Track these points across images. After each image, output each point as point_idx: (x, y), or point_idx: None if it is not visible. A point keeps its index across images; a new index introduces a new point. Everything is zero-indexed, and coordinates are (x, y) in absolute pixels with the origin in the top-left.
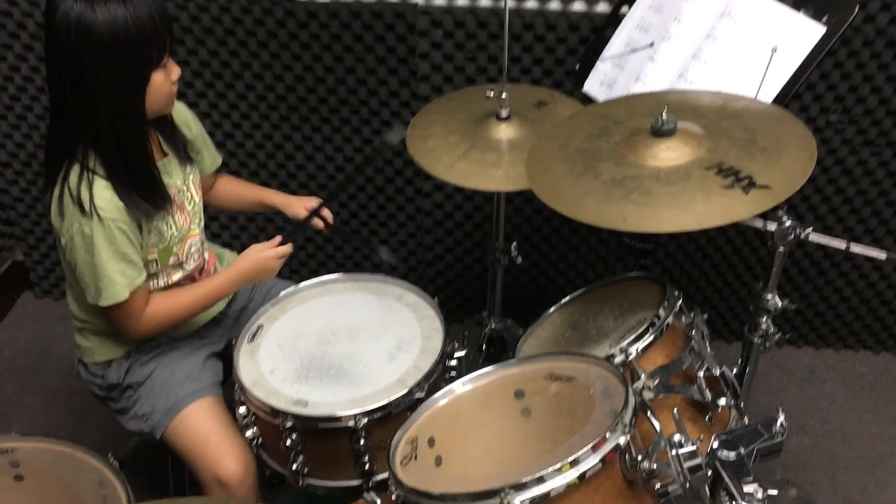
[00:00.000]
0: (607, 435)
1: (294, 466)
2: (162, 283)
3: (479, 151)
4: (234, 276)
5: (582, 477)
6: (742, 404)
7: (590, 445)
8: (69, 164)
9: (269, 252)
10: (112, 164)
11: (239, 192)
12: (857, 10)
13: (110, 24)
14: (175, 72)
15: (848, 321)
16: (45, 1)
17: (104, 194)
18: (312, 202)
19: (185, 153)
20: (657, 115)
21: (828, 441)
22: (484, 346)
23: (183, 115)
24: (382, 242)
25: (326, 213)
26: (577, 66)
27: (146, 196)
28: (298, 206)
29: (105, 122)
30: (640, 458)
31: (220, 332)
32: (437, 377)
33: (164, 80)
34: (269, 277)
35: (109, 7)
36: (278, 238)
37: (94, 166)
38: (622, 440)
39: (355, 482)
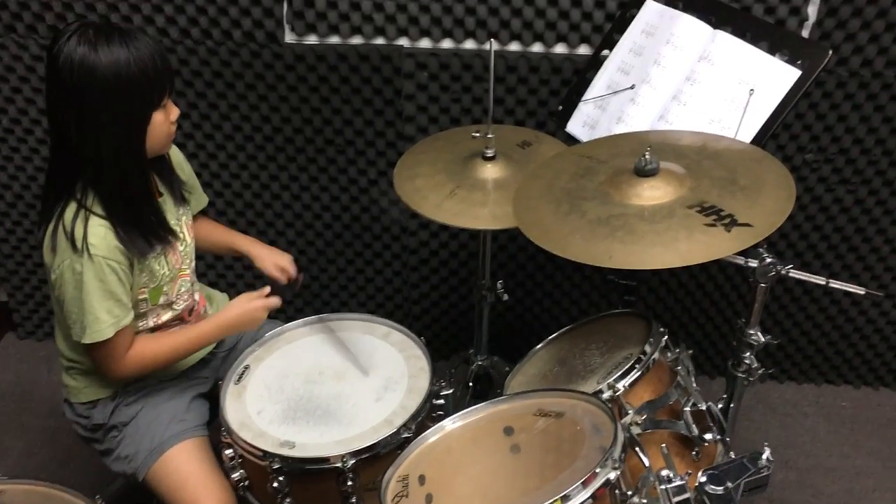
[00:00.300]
0: (597, 470)
1: None
2: (151, 323)
3: (465, 191)
4: (220, 324)
5: None
6: (728, 439)
7: (580, 481)
8: (66, 201)
9: (258, 303)
10: (113, 202)
11: (214, 234)
12: (830, 54)
13: (113, 65)
14: (174, 112)
15: (828, 356)
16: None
17: (98, 232)
18: (283, 260)
19: (179, 194)
20: (640, 155)
21: (811, 475)
22: (471, 384)
23: (176, 157)
24: (332, 295)
25: (293, 270)
26: (560, 107)
27: (148, 233)
28: (268, 261)
29: (107, 162)
30: (629, 493)
31: (207, 372)
32: (425, 416)
33: (163, 120)
34: (254, 328)
35: (112, 49)
36: (267, 289)
37: (92, 205)
38: (612, 475)
39: None
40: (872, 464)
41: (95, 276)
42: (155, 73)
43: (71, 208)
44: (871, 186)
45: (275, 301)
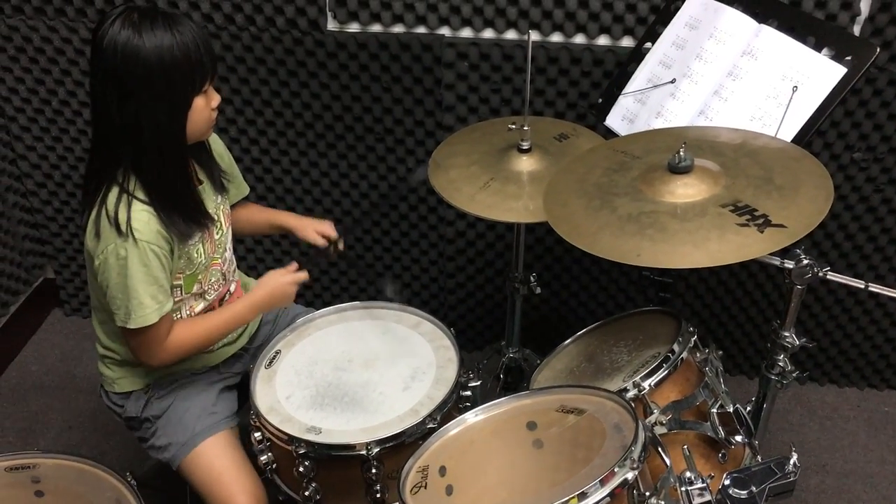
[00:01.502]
0: (616, 469)
1: (307, 493)
2: (185, 314)
3: (499, 183)
4: (252, 303)
5: None
6: (756, 442)
7: (598, 479)
8: (108, 186)
9: (286, 278)
10: (153, 187)
11: (251, 215)
12: (878, 52)
13: (156, 49)
14: (215, 99)
15: (872, 360)
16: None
17: (141, 217)
18: (324, 226)
19: (219, 181)
20: (675, 151)
21: (849, 481)
22: (501, 376)
23: (217, 146)
24: (395, 277)
25: (335, 236)
26: (600, 100)
27: (188, 218)
28: (309, 228)
29: (149, 145)
30: (647, 493)
31: (238, 367)
32: (451, 407)
33: (204, 106)
34: (287, 304)
35: (156, 33)
36: (295, 265)
37: (134, 190)
38: (630, 475)
39: None
40: None
41: (140, 260)
42: (198, 57)
43: (113, 193)
44: None
45: (303, 275)
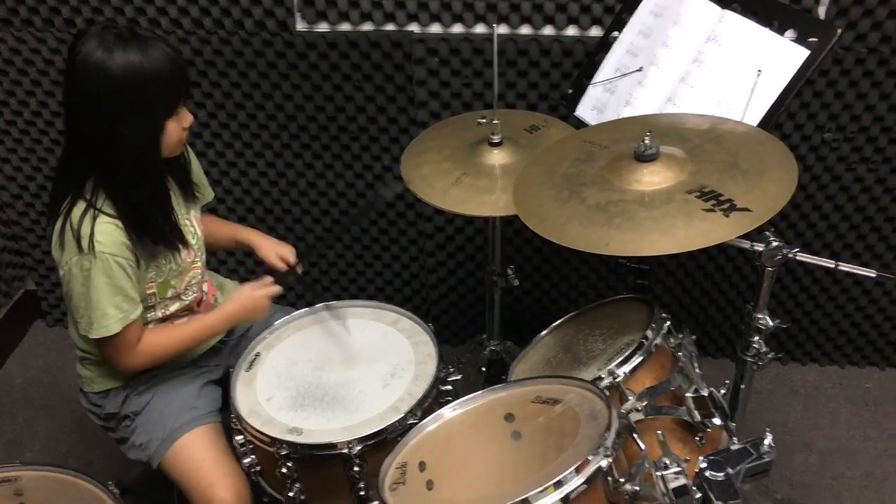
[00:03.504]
0: (590, 457)
1: (291, 493)
2: (160, 314)
3: (472, 177)
4: (225, 315)
5: (566, 499)
6: (733, 424)
7: (573, 467)
8: (74, 199)
9: (260, 292)
10: (123, 205)
11: (217, 230)
12: (839, 32)
13: (127, 70)
14: (187, 119)
15: (852, 337)
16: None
17: (106, 229)
18: (285, 250)
19: (190, 190)
20: (641, 139)
21: (832, 458)
22: (484, 368)
23: (187, 153)
24: (350, 281)
25: (297, 266)
26: (570, 91)
27: (158, 239)
28: (271, 251)
29: (124, 166)
30: (622, 480)
31: (217, 360)
32: (432, 402)
33: (176, 127)
34: (260, 317)
35: (128, 54)
36: (269, 278)
37: (101, 205)
38: (604, 463)
39: None
40: (895, 446)
41: (103, 272)
42: (169, 81)
43: (79, 207)
44: (892, 165)
45: (276, 289)
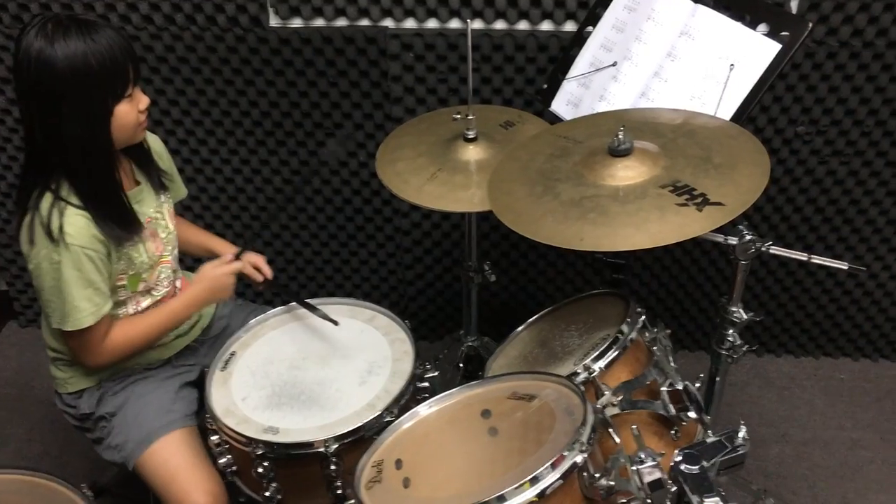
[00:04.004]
0: (565, 453)
1: (267, 493)
2: (131, 310)
3: (447, 173)
4: (190, 299)
5: (542, 494)
6: (708, 417)
7: (549, 463)
8: (41, 192)
9: (221, 269)
10: (84, 193)
11: (189, 234)
12: (811, 26)
13: (69, 58)
14: (143, 101)
15: (826, 329)
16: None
17: (76, 221)
18: (256, 258)
19: (158, 181)
20: (615, 134)
21: (808, 449)
22: (461, 364)
23: (156, 145)
24: (327, 278)
25: (266, 269)
26: (545, 86)
27: (120, 223)
28: (243, 258)
29: (73, 154)
30: (597, 475)
31: (193, 360)
32: (408, 399)
33: (129, 110)
34: (226, 296)
35: (69, 42)
36: (230, 255)
37: (67, 195)
38: (579, 458)
39: None
40: (869, 436)
41: (73, 265)
42: (114, 64)
43: (47, 199)
44: (864, 157)
45: (238, 265)
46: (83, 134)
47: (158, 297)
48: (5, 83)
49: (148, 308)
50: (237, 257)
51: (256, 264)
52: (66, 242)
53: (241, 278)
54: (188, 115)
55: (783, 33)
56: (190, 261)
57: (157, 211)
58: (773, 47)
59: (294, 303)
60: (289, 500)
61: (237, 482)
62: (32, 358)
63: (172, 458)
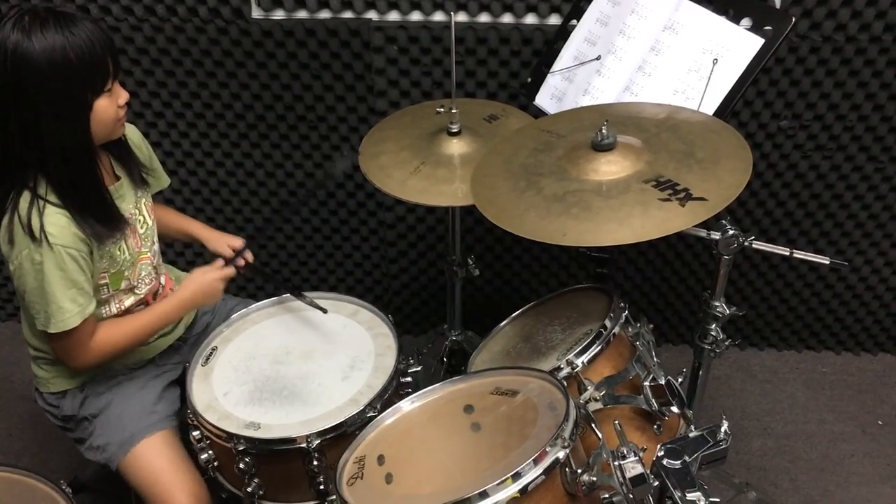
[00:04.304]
0: (548, 448)
1: (249, 489)
2: (115, 309)
3: (430, 167)
4: (179, 302)
5: (524, 490)
6: (690, 412)
7: (531, 459)
8: (19, 191)
9: (212, 274)
10: (64, 190)
11: (167, 219)
12: (794, 21)
13: (47, 52)
14: (122, 97)
15: (808, 322)
16: None
17: (56, 220)
18: (236, 241)
19: (138, 176)
20: (598, 129)
21: (790, 441)
22: (445, 359)
23: (134, 137)
24: (311, 272)
25: (248, 254)
26: (529, 80)
27: (101, 220)
28: (221, 242)
29: (51, 150)
30: (579, 471)
31: (177, 359)
32: (391, 394)
33: (108, 105)
34: (215, 301)
35: (46, 35)
36: (221, 261)
37: (46, 193)
38: (561, 454)
39: (312, 502)
40: (851, 429)
41: (56, 265)
42: (93, 58)
43: (25, 198)
44: (846, 152)
45: (229, 271)
46: (62, 130)
47: (142, 295)
48: None
49: (132, 306)
50: (228, 263)
51: (235, 248)
52: (48, 242)
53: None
54: (169, 107)
55: (766, 28)
56: (173, 254)
57: (135, 206)
58: (757, 42)
59: (278, 296)
60: (271, 495)
61: (219, 478)
62: (13, 352)
63: (156, 459)
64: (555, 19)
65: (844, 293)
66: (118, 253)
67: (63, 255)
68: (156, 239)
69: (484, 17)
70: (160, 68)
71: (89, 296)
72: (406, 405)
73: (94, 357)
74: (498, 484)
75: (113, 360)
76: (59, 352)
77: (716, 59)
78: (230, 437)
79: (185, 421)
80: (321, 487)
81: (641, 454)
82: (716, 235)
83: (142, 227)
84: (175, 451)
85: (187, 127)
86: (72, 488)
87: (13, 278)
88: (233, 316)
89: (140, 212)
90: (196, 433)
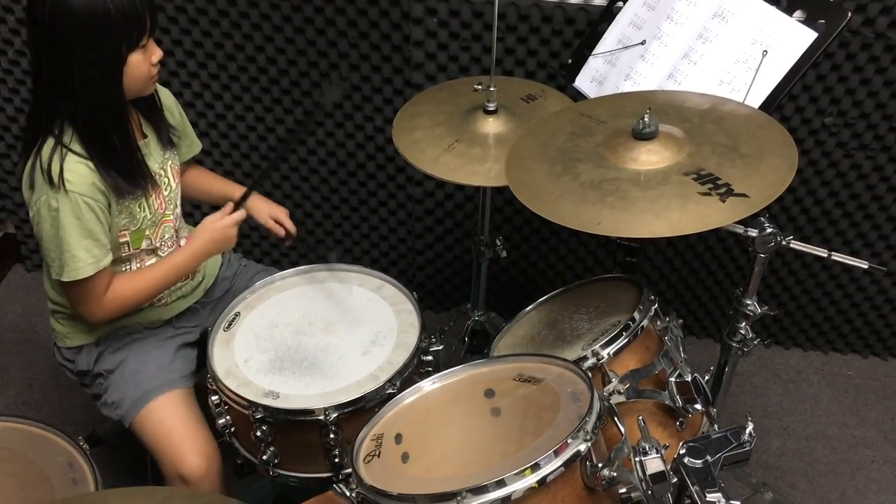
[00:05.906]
0: (569, 441)
1: (265, 456)
2: (135, 268)
3: (464, 145)
4: (193, 252)
5: (542, 481)
6: (714, 410)
7: (552, 450)
8: (44, 137)
9: (224, 221)
10: (91, 141)
11: (207, 184)
12: (849, 16)
13: (87, 2)
14: (156, 54)
15: (837, 324)
16: None
17: (77, 169)
18: (278, 211)
19: (166, 137)
20: (640, 116)
21: (810, 443)
22: (466, 339)
23: (166, 100)
24: (337, 242)
25: (289, 224)
26: (570, 61)
27: (125, 174)
28: (264, 211)
29: (82, 101)
30: (600, 465)
31: (194, 322)
32: (412, 372)
33: (142, 60)
34: (229, 247)
35: None
36: (230, 206)
37: (70, 142)
38: (583, 447)
39: (326, 474)
40: (873, 434)
41: (72, 212)
42: (132, 11)
43: (48, 145)
44: (891, 153)
45: (240, 214)
46: (94, 80)
47: (164, 257)
48: (14, 33)
49: None
50: (237, 206)
51: (278, 218)
52: (65, 189)
53: (266, 236)
54: (204, 67)
55: (820, 21)
56: (199, 216)
57: (161, 167)
58: (809, 35)
59: (304, 265)
60: (286, 464)
61: (235, 443)
62: (37, 303)
63: (168, 418)
64: (600, 0)
65: (876, 297)
66: (138, 210)
67: (80, 203)
68: (179, 202)
69: None
70: (197, 28)
71: (105, 248)
72: (427, 385)
73: (109, 310)
74: (516, 473)
75: (128, 317)
76: (74, 303)
77: (765, 51)
78: (249, 404)
79: (203, 385)
80: (336, 460)
81: (663, 451)
82: (753, 233)
83: (166, 189)
84: (189, 410)
85: (221, 89)
86: (89, 442)
87: (33, 225)
88: (256, 283)
89: (165, 173)
90: (215, 398)
